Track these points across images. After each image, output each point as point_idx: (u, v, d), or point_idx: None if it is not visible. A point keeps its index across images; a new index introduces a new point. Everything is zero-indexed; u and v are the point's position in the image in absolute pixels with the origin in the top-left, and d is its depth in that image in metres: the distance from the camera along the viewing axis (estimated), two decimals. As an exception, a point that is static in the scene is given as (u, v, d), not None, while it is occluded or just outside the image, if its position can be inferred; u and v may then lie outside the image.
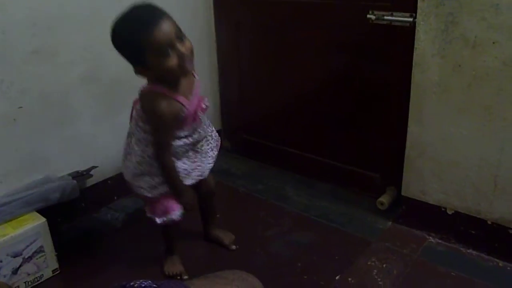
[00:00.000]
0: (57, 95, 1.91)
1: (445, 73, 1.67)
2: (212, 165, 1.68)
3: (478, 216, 1.76)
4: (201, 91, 1.57)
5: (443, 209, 1.84)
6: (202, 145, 1.64)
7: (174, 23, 1.37)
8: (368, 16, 1.82)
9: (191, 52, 1.41)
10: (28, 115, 1.83)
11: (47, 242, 1.74)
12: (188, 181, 1.60)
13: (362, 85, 2.03)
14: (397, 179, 1.96)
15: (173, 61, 1.36)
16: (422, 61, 1.71)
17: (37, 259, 1.73)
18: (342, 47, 2.03)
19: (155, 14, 1.35)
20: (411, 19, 1.72)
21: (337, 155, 2.22)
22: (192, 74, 1.52)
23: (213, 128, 1.73)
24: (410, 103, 1.80)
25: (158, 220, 1.62)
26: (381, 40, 1.87)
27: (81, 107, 2.00)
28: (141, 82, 2.11)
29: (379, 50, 1.90)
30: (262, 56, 2.37)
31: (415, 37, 1.70)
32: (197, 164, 1.62)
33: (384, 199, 1.99)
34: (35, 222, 1.72)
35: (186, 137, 1.55)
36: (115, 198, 2.21)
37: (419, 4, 1.66)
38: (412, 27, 1.72)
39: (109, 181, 2.17)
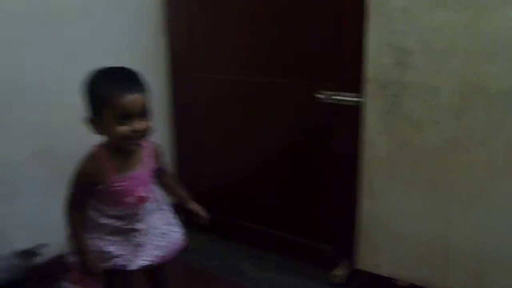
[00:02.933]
0: (6, 170, 1.86)
1: (392, 150, 1.77)
2: (147, 263, 1.53)
3: (432, 288, 1.80)
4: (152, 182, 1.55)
5: (397, 282, 1.87)
6: (135, 237, 1.51)
7: (145, 100, 1.37)
8: (316, 95, 1.92)
9: (146, 132, 1.39)
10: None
11: (-11, 328, 1.64)
12: (105, 265, 1.49)
13: (312, 161, 2.10)
14: (350, 252, 2.00)
15: (121, 130, 1.34)
16: (370, 138, 1.81)
17: None
18: (293, 124, 2.11)
19: (135, 84, 1.37)
20: (357, 99, 1.83)
21: (292, 228, 2.24)
22: (141, 158, 1.48)
23: (176, 229, 1.64)
24: (362, 178, 1.87)
25: (66, 285, 1.56)
26: (330, 118, 1.96)
27: (32, 182, 1.95)
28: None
29: (329, 126, 1.99)
30: (215, 131, 2.41)
31: (363, 116, 1.80)
32: (123, 253, 1.50)
33: (338, 272, 2.00)
34: (-24, 306, 1.62)
35: (114, 217, 1.47)
36: (62, 277, 2.11)
37: (365, 86, 1.77)
38: (359, 107, 1.83)
39: (59, 259, 2.07)
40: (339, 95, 1.88)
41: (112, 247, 1.48)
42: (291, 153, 2.16)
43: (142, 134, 1.38)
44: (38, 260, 2.01)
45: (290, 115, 2.10)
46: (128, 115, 1.33)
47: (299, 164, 2.15)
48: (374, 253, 1.91)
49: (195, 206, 1.70)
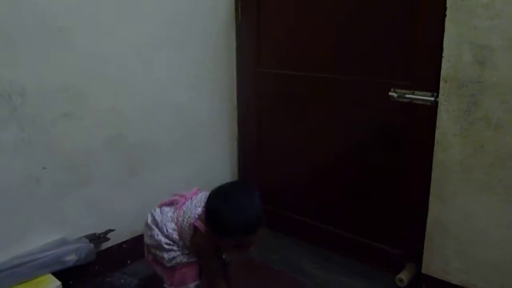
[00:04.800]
0: (80, 158, 1.94)
1: (467, 152, 1.69)
2: None
3: (502, 299, 1.72)
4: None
5: (465, 290, 1.80)
6: None
7: (262, 233, 1.54)
8: (390, 93, 1.87)
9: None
10: (51, 176, 1.85)
11: (60, 306, 1.72)
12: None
13: (382, 160, 2.05)
14: (417, 256, 1.94)
15: (236, 254, 1.58)
16: (444, 140, 1.74)
17: (48, 323, 1.69)
18: (364, 122, 2.06)
19: (259, 223, 1.51)
20: (432, 99, 1.76)
21: (356, 228, 2.20)
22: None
23: None
24: (432, 180, 1.81)
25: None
26: (403, 117, 1.91)
27: (102, 170, 2.02)
28: (165, 148, 2.17)
29: (400, 126, 1.93)
30: (282, 127, 2.41)
31: (437, 116, 1.74)
32: None
33: (404, 276, 1.94)
34: (50, 285, 1.71)
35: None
36: (129, 262, 2.18)
37: (441, 85, 1.71)
38: (433, 106, 1.76)
39: (124, 245, 2.15)
40: (413, 94, 1.81)
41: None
42: (361, 151, 2.12)
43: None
44: (105, 244, 2.09)
45: (361, 113, 2.06)
46: (242, 246, 1.52)
47: (368, 164, 2.10)
48: (443, 258, 1.84)
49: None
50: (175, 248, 1.64)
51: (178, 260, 1.64)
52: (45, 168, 1.83)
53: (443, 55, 1.69)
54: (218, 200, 1.53)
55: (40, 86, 1.75)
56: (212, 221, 1.52)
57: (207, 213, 1.54)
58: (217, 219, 1.50)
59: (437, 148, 1.77)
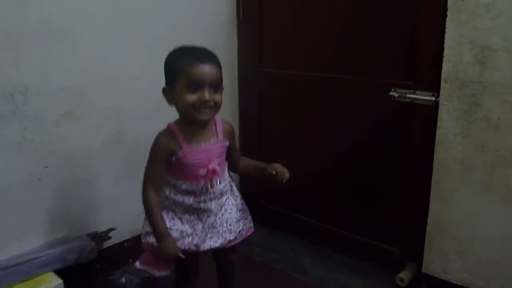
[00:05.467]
0: (82, 157, 1.95)
1: (468, 152, 1.70)
2: (217, 245, 1.56)
3: (502, 298, 1.73)
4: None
5: (466, 289, 1.81)
6: (209, 217, 1.55)
7: (218, 74, 1.43)
8: (391, 93, 1.87)
9: (215, 105, 1.43)
10: (53, 175, 1.86)
11: (62, 305, 1.72)
12: (180, 245, 1.50)
13: (383, 160, 2.05)
14: (417, 255, 1.94)
15: (191, 98, 1.39)
16: (444, 139, 1.74)
17: (50, 322, 1.70)
18: (364, 122, 2.07)
19: (209, 58, 1.43)
20: (433, 99, 1.76)
21: (357, 227, 2.21)
22: (215, 133, 1.53)
23: (248, 217, 1.68)
24: (432, 180, 1.81)
25: (137, 265, 1.55)
26: (403, 117, 1.91)
27: (104, 169, 2.03)
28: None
29: (401, 126, 1.94)
30: (283, 126, 2.41)
31: (438, 116, 1.74)
32: (196, 232, 1.54)
33: (404, 275, 1.95)
34: (51, 283, 1.71)
35: (187, 193, 1.51)
36: (130, 261, 2.18)
37: (442, 84, 1.71)
38: (434, 106, 1.76)
39: (125, 244, 2.15)
40: (414, 94, 1.82)
41: (185, 225, 1.53)
42: (361, 151, 2.12)
43: (211, 105, 1.42)
44: (107, 243, 2.09)
45: (362, 113, 2.06)
46: (198, 85, 1.39)
47: (369, 163, 2.11)
48: (443, 258, 1.84)
49: (276, 166, 1.70)
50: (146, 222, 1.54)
51: (151, 240, 1.51)
52: (47, 167, 1.83)
53: (444, 55, 1.69)
54: (169, 55, 1.51)
55: (42, 85, 1.76)
56: (166, 72, 1.49)
57: (164, 72, 1.50)
58: (169, 63, 1.48)
59: (437, 148, 1.77)
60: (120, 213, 2.11)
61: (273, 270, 2.19)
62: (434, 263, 1.88)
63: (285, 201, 2.47)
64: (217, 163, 1.52)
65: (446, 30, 1.67)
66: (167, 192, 1.53)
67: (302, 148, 2.35)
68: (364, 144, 2.10)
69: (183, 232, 1.52)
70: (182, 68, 1.40)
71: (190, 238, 1.53)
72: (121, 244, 2.14)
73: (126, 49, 2.01)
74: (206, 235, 1.54)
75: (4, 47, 1.65)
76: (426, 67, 1.79)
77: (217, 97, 1.43)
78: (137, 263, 1.56)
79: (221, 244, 1.56)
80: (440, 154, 1.77)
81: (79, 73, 1.87)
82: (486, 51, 1.60)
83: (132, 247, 2.15)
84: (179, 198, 1.52)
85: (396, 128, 1.97)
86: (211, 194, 1.53)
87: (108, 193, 2.06)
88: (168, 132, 1.49)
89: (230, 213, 1.60)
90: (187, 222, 1.53)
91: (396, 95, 1.86)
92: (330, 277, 2.12)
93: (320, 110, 2.23)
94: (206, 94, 1.39)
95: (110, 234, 2.06)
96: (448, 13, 1.65)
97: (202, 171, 1.49)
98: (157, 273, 1.55)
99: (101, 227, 2.05)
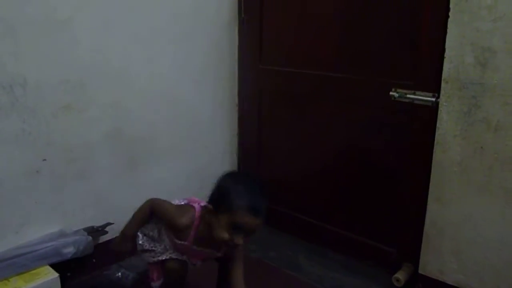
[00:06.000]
0: (80, 150, 1.94)
1: (467, 154, 1.70)
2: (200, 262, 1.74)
3: (498, 301, 1.73)
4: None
5: (461, 291, 1.81)
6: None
7: (261, 224, 1.49)
8: (391, 93, 1.87)
9: (240, 246, 1.53)
10: (51, 168, 1.85)
11: (57, 298, 1.72)
12: (165, 256, 1.67)
13: (381, 160, 2.05)
14: (414, 256, 1.94)
15: (227, 237, 1.46)
16: (443, 140, 1.74)
17: (45, 315, 1.70)
18: (364, 121, 2.07)
19: (263, 210, 1.48)
20: (433, 99, 1.76)
21: (354, 227, 2.21)
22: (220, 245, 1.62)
23: None
24: (431, 180, 1.81)
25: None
26: (403, 117, 1.91)
27: (102, 163, 2.03)
28: (164, 143, 2.17)
29: (400, 126, 1.94)
30: (282, 124, 2.41)
31: (438, 117, 1.74)
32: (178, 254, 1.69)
33: (400, 275, 1.95)
34: (47, 277, 1.71)
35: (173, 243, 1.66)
36: (127, 256, 2.18)
37: (442, 85, 1.71)
38: (434, 107, 1.76)
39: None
40: (414, 94, 1.82)
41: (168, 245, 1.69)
42: (360, 150, 2.12)
43: (235, 246, 1.51)
44: (103, 238, 2.09)
45: (361, 112, 2.06)
46: (240, 229, 1.46)
47: (367, 163, 2.10)
48: (440, 259, 1.85)
49: None
50: (143, 238, 1.71)
51: (146, 257, 1.72)
52: (45, 160, 1.83)
53: (445, 56, 1.69)
54: (229, 178, 1.55)
55: (41, 78, 1.75)
56: (218, 194, 1.52)
57: (215, 189, 1.55)
58: (226, 191, 1.50)
59: (436, 149, 1.77)
60: (118, 208, 2.10)
61: (270, 268, 2.19)
62: (430, 263, 1.88)
63: (283, 200, 2.47)
64: (206, 260, 1.72)
65: (448, 31, 1.66)
66: (161, 228, 1.69)
67: (300, 147, 2.35)
68: (363, 143, 2.10)
69: (166, 247, 1.68)
70: (235, 207, 1.45)
71: (174, 254, 1.67)
72: (117, 239, 2.13)
73: (127, 44, 2.00)
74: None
75: (4, 38, 1.64)
76: (427, 68, 1.79)
77: (243, 241, 1.50)
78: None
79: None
80: (438, 155, 1.77)
81: (78, 66, 1.86)
82: (487, 53, 1.59)
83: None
84: (167, 240, 1.68)
85: (395, 128, 1.96)
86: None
87: (105, 187, 2.05)
88: (189, 220, 1.59)
89: None
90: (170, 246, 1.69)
91: (396, 95, 1.86)
92: (327, 276, 2.12)
93: (319, 109, 2.22)
94: (241, 241, 1.48)
95: (107, 228, 2.05)
96: (450, 14, 1.65)
97: (192, 261, 1.69)
98: (152, 284, 1.74)
99: (98, 222, 2.05)
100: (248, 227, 1.46)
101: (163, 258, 1.67)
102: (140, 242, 1.71)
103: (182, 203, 1.69)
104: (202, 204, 1.62)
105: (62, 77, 1.82)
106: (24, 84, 1.71)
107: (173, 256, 1.66)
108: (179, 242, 1.61)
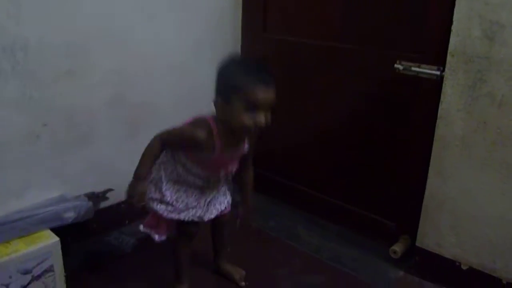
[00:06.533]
0: (81, 116, 1.93)
1: (470, 128, 1.69)
2: (214, 216, 1.71)
3: (493, 275, 1.74)
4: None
5: (457, 264, 1.83)
6: (211, 194, 1.69)
7: (274, 96, 1.43)
8: (396, 66, 1.85)
9: (266, 125, 1.43)
10: (52, 133, 1.85)
11: (57, 262, 1.73)
12: (184, 216, 1.64)
13: (383, 132, 2.04)
14: (412, 229, 1.96)
15: (249, 121, 1.40)
16: (447, 114, 1.73)
17: (46, 278, 1.71)
18: (367, 93, 2.05)
19: (270, 79, 1.43)
20: (438, 73, 1.74)
21: (353, 199, 2.22)
22: (243, 141, 1.59)
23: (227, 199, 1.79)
24: (432, 154, 1.81)
25: (141, 228, 1.70)
26: (407, 90, 1.89)
27: (104, 129, 2.02)
28: (167, 109, 2.15)
29: (404, 99, 1.92)
30: (285, 93, 2.38)
31: (442, 90, 1.72)
32: (199, 206, 1.66)
33: (398, 247, 1.97)
34: (48, 240, 1.72)
35: (199, 177, 1.60)
36: (127, 222, 2.20)
37: (448, 59, 1.69)
38: (438, 81, 1.74)
39: (122, 205, 2.16)
40: (419, 67, 1.79)
41: (190, 199, 1.64)
42: (362, 122, 2.11)
43: (262, 127, 1.42)
44: (104, 204, 2.10)
45: (365, 84, 2.04)
46: (256, 107, 1.39)
47: (369, 135, 2.10)
48: (437, 232, 1.86)
49: (245, 210, 1.82)
50: (167, 185, 1.63)
51: (154, 206, 1.63)
52: (45, 125, 1.82)
53: (452, 28, 1.66)
54: (228, 65, 1.49)
55: (43, 41, 1.73)
56: (224, 82, 1.47)
57: (218, 80, 1.49)
58: (229, 75, 1.45)
59: (439, 123, 1.76)
60: (118, 174, 2.08)
61: (269, 237, 2.21)
62: (428, 237, 1.89)
63: (283, 170, 2.48)
64: (234, 164, 1.64)
65: (456, 3, 1.63)
66: (180, 169, 1.60)
67: (302, 118, 2.34)
68: (366, 115, 2.09)
69: (188, 204, 1.63)
70: (243, 87, 1.39)
71: (194, 210, 1.65)
72: (118, 205, 2.15)
73: (129, 9, 1.97)
74: (207, 209, 1.68)
75: (5, 1, 1.61)
76: (433, 41, 1.76)
77: (269, 117, 1.44)
78: (141, 226, 1.70)
79: (216, 215, 1.72)
80: (441, 129, 1.76)
81: (81, 30, 1.84)
82: (495, 27, 1.56)
83: (129, 208, 2.16)
84: (190, 178, 1.61)
85: (398, 101, 1.95)
86: (218, 183, 1.67)
87: (106, 153, 2.05)
88: (207, 129, 1.49)
89: (222, 189, 1.75)
90: (192, 195, 1.64)
91: (401, 67, 1.84)
92: (325, 246, 2.15)
93: (322, 79, 2.20)
94: (263, 118, 1.41)
95: (108, 195, 2.07)
96: (458, -15, 1.62)
97: (222, 170, 1.61)
98: (157, 237, 1.68)
99: (99, 188, 2.06)
100: (263, 101, 1.40)
101: (181, 218, 1.64)
102: (164, 189, 1.61)
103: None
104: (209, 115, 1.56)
105: (64, 42, 1.79)
106: (25, 48, 1.69)
107: (192, 216, 1.64)
108: (210, 157, 1.52)
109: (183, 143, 1.55)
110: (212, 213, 1.69)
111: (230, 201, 1.79)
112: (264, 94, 1.39)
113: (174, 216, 1.63)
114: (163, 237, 1.69)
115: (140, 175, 1.56)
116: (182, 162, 1.59)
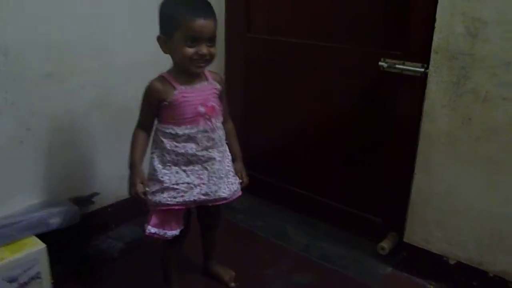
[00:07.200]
0: (64, 119, 1.91)
1: (454, 125, 1.70)
2: (225, 196, 1.59)
3: (480, 268, 1.76)
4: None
5: (445, 259, 1.84)
6: (214, 164, 1.56)
7: (215, 27, 1.45)
8: (380, 63, 1.86)
9: (211, 58, 1.48)
10: (35, 137, 1.82)
11: (44, 268, 1.71)
12: (190, 197, 1.53)
13: (369, 130, 2.05)
14: (399, 225, 1.97)
15: (189, 52, 1.43)
16: (431, 111, 1.74)
17: (32, 285, 1.69)
18: (352, 91, 2.06)
19: (208, 10, 1.45)
20: (422, 70, 1.76)
21: (340, 197, 2.23)
22: (206, 77, 1.58)
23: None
24: (418, 151, 1.82)
25: (149, 229, 1.55)
26: (391, 88, 1.90)
27: (88, 132, 2.00)
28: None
29: (389, 97, 1.93)
30: (270, 93, 2.39)
31: (426, 87, 1.74)
32: (203, 182, 1.55)
33: (385, 244, 1.98)
34: (34, 247, 1.69)
35: (188, 140, 1.51)
36: (113, 226, 2.18)
37: (432, 56, 1.70)
38: (423, 77, 1.76)
39: (108, 209, 2.14)
40: (403, 64, 1.81)
41: (191, 177, 1.54)
42: (347, 120, 2.12)
43: (207, 58, 1.46)
44: (90, 208, 2.08)
45: (349, 82, 2.05)
46: (196, 39, 1.42)
47: (355, 133, 2.11)
48: (425, 228, 1.87)
49: (239, 167, 1.75)
50: (164, 170, 1.53)
51: (158, 198, 1.52)
52: (29, 129, 1.79)
53: (435, 26, 1.67)
54: (167, 2, 1.49)
55: (23, 45, 1.70)
56: (162, 19, 1.48)
57: (159, 18, 1.48)
58: (167, 12, 1.47)
59: (424, 120, 1.77)
60: (104, 178, 2.09)
61: (257, 237, 2.21)
62: (415, 233, 1.91)
63: (270, 170, 2.48)
64: (213, 102, 1.56)
65: (439, 1, 1.64)
66: (167, 145, 1.51)
67: (288, 117, 2.34)
68: (351, 113, 2.10)
69: (189, 184, 1.54)
70: (181, 20, 1.41)
71: (199, 188, 1.55)
72: (104, 209, 2.13)
73: (113, 9, 1.96)
74: (214, 184, 1.57)
75: (-17, 4, 1.59)
76: (417, 38, 1.77)
77: (213, 50, 1.47)
78: (148, 228, 1.55)
79: (228, 195, 1.61)
80: (426, 126, 1.78)
81: (62, 33, 1.81)
82: (477, 23, 1.58)
83: (116, 212, 2.15)
84: (181, 148, 1.52)
85: (383, 98, 1.96)
86: (212, 140, 1.55)
87: (91, 156, 2.03)
88: (160, 78, 1.52)
89: (228, 165, 1.65)
90: (192, 173, 1.55)
91: (385, 65, 1.85)
92: (313, 245, 2.15)
93: (307, 78, 2.21)
94: (204, 49, 1.44)
95: (94, 199, 2.04)
96: (440, -18, 1.63)
97: (201, 108, 1.51)
98: (169, 233, 1.57)
99: (84, 192, 2.03)
100: (201, 32, 1.41)
101: (187, 200, 1.53)
102: (161, 176, 1.51)
103: None
104: None
105: (45, 44, 1.77)
106: (6, 53, 1.66)
107: (199, 195, 1.54)
108: (176, 101, 1.48)
109: (150, 106, 1.53)
110: (221, 190, 1.58)
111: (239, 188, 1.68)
112: (202, 24, 1.41)
113: (179, 199, 1.52)
114: (176, 232, 1.57)
115: (132, 162, 1.55)
116: (164, 135, 1.52)
